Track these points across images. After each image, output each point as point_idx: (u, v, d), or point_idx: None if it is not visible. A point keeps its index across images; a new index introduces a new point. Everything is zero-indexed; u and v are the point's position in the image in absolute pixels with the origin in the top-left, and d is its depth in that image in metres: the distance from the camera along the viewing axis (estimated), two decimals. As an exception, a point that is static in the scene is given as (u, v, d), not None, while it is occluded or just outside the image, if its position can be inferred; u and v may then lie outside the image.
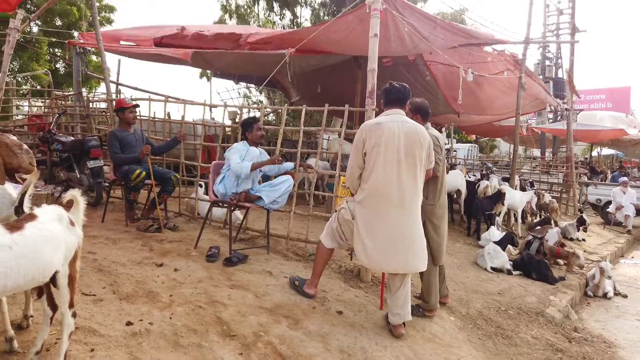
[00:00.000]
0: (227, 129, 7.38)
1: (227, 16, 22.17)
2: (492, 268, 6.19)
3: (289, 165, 5.33)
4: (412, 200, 3.50)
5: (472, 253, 6.98)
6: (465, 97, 7.63)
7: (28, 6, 16.67)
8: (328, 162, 8.50)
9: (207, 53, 7.94)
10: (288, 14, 21.34)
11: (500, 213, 8.57)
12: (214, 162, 5.27)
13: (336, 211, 3.97)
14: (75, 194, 2.55)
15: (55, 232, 2.32)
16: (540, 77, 25.07)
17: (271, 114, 12.39)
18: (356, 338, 3.40)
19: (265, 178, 5.23)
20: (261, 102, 14.96)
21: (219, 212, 6.03)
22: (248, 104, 15.28)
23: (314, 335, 3.36)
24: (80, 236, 2.53)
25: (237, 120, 10.91)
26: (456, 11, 19.49)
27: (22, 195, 2.65)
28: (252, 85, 14.91)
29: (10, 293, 2.35)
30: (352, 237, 3.72)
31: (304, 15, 21.75)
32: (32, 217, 2.34)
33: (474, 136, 24.78)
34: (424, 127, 3.66)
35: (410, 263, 3.49)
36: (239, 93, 15.57)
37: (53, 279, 2.42)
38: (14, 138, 2.72)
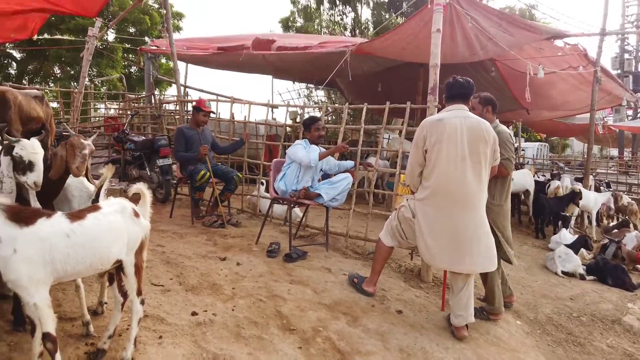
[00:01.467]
0: (288, 129, 7.48)
1: (295, 15, 22.57)
2: (562, 272, 5.84)
3: (349, 163, 5.32)
4: (478, 198, 3.37)
5: (540, 256, 6.63)
6: (535, 94, 7.27)
7: (105, 15, 17.84)
8: (388, 161, 8.41)
9: (272, 55, 8.11)
10: (350, 14, 21.35)
11: (572, 214, 8.07)
12: (275, 159, 5.37)
13: (396, 209, 3.91)
14: (141, 187, 2.67)
15: (116, 223, 2.44)
16: (619, 71, 23.35)
17: (331, 114, 12.44)
18: (416, 338, 3.33)
19: (325, 176, 5.26)
20: (322, 101, 15.05)
21: (279, 209, 6.14)
22: (308, 103, 15.39)
23: (373, 333, 3.33)
24: (146, 227, 2.64)
25: (297, 120, 11.13)
26: (526, 5, 18.57)
27: (99, 189, 2.82)
28: (312, 85, 15.06)
29: (71, 278, 2.50)
30: (413, 235, 3.64)
31: (365, 14, 21.69)
32: (95, 208, 2.49)
33: (543, 135, 23.53)
34: (488, 123, 3.51)
35: (476, 263, 3.36)
36: (299, 93, 15.79)
37: (121, 267, 2.57)
38: (86, 142, 2.87)
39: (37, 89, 6.20)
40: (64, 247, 2.21)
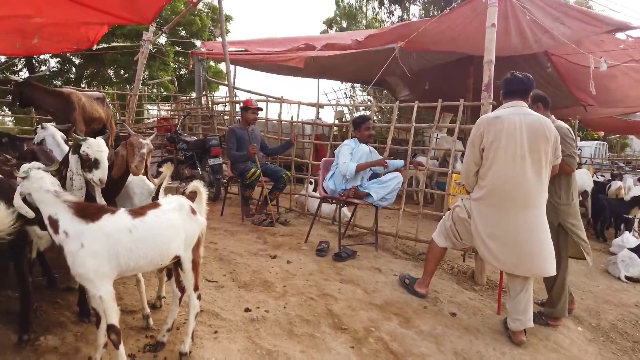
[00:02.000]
0: (334, 129, 7.47)
1: (338, 17, 22.58)
2: (626, 277, 5.51)
3: (398, 162, 5.24)
4: (538, 197, 3.23)
5: (601, 260, 6.29)
6: (594, 89, 6.89)
7: (157, 19, 18.46)
8: (437, 160, 8.24)
9: (320, 57, 8.13)
10: (397, 11, 21.11)
11: (636, 217, 7.61)
12: (324, 158, 5.37)
13: (450, 209, 3.82)
14: (197, 185, 2.74)
15: (174, 220, 2.50)
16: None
17: (376, 113, 12.34)
18: (471, 342, 3.24)
19: (375, 175, 5.21)
20: (370, 100, 14.92)
21: (327, 208, 6.13)
22: (353, 102, 15.35)
23: (426, 335, 3.26)
24: (203, 224, 2.69)
25: (343, 119, 11.12)
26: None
27: (158, 187, 2.91)
28: (358, 85, 14.99)
29: (133, 272, 2.59)
30: (468, 236, 3.54)
31: (413, 11, 21.36)
32: (155, 205, 2.56)
33: (601, 133, 22.34)
34: (548, 119, 3.36)
35: (537, 266, 3.23)
36: (345, 93, 15.74)
37: (178, 263, 2.63)
38: (144, 142, 2.97)
39: (99, 91, 6.50)
40: (127, 242, 2.29)
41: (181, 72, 20.95)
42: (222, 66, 18.99)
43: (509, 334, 3.34)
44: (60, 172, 2.84)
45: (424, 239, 5.12)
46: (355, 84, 14.81)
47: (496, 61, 4.36)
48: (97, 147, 2.71)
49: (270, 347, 2.87)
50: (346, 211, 5.98)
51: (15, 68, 19.66)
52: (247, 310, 3.34)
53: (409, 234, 5.50)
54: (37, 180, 2.23)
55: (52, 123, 3.89)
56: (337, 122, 8.81)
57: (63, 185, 2.75)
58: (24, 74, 19.90)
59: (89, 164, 2.70)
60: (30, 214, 2.15)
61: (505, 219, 3.24)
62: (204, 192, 2.75)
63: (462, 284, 4.33)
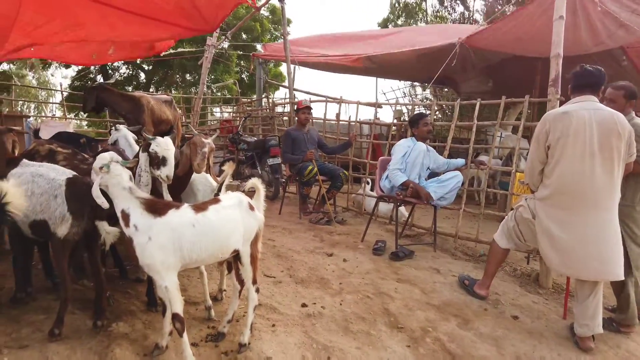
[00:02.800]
0: (392, 128, 7.41)
1: (395, 15, 22.32)
2: None
3: (459, 161, 5.12)
4: (608, 198, 3.04)
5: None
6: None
7: (221, 25, 19.09)
8: (500, 159, 7.94)
9: (377, 55, 8.10)
10: (459, 8, 20.53)
11: None
12: (381, 157, 5.34)
13: (513, 209, 3.68)
14: (256, 182, 2.82)
15: (234, 215, 2.60)
16: None
17: (437, 112, 12.06)
18: (534, 346, 3.10)
19: (434, 174, 5.11)
20: (429, 99, 14.60)
21: (384, 207, 6.09)
22: (413, 101, 15.09)
23: (486, 338, 3.16)
24: (261, 220, 2.78)
25: (402, 119, 10.99)
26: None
27: (220, 184, 3.03)
28: (417, 83, 14.75)
29: (195, 265, 2.71)
30: (532, 237, 3.39)
31: (477, 7, 20.68)
32: (216, 201, 2.67)
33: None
34: (622, 115, 3.15)
35: (606, 270, 3.03)
36: (404, 92, 15.52)
37: (238, 257, 2.73)
38: (206, 141, 3.10)
39: (167, 95, 6.88)
40: (190, 236, 2.41)
41: (243, 76, 21.55)
42: (282, 68, 19.45)
43: (576, 340, 3.16)
44: (131, 169, 3.03)
45: (485, 240, 4.96)
46: (415, 82, 14.57)
47: (564, 61, 4.15)
48: (165, 146, 2.87)
49: (326, 342, 2.91)
50: (404, 211, 5.92)
51: (91, 75, 21.16)
52: (303, 305, 3.40)
53: (469, 235, 5.35)
54: (116, 176, 2.39)
55: (124, 125, 4.16)
56: (395, 121, 8.75)
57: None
58: (99, 79, 21.37)
59: (157, 161, 2.87)
60: (105, 204, 2.31)
61: (572, 221, 3.08)
62: (261, 189, 2.83)
63: (525, 287, 4.15)
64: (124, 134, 4.01)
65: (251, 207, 2.72)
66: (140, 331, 2.84)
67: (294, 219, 6.10)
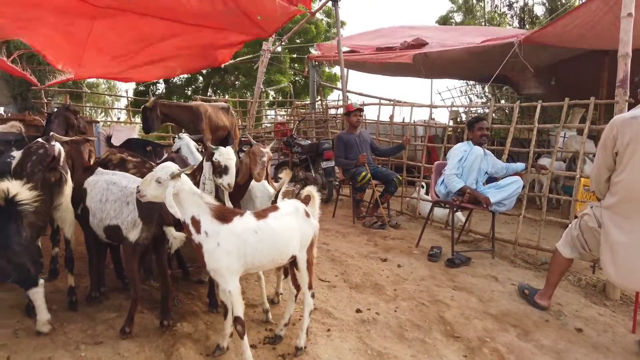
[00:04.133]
0: (448, 130, 7.28)
1: (453, 12, 21.84)
2: None
3: (518, 165, 4.95)
4: None
5: None
6: None
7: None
8: (564, 162, 7.59)
9: (431, 53, 7.98)
10: (520, 2, 19.74)
11: None
12: (436, 162, 5.27)
13: (577, 217, 3.52)
14: (311, 190, 2.89)
15: (292, 222, 2.67)
16: None
17: (495, 112, 11.65)
18: (600, 362, 2.97)
19: (492, 178, 4.98)
20: (488, 98, 14.09)
21: (439, 212, 6.00)
22: (470, 101, 14.63)
23: (547, 350, 3.05)
24: (316, 227, 2.84)
25: (458, 120, 10.73)
26: None
27: (278, 191, 3.13)
28: (473, 82, 14.33)
29: (256, 270, 2.82)
30: (597, 247, 3.24)
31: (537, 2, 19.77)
32: (275, 208, 2.75)
33: None
34: None
35: None
36: (460, 91, 15.12)
37: (295, 262, 2.80)
38: (265, 150, 3.20)
39: (224, 102, 7.15)
40: (253, 242, 2.51)
41: (297, 78, 21.83)
42: (335, 70, 19.51)
43: (647, 358, 3.00)
44: (195, 177, 3.19)
45: (546, 248, 4.78)
46: (471, 82, 14.17)
47: (634, 59, 3.92)
48: (227, 156, 3.00)
49: (381, 348, 2.92)
50: (460, 215, 5.80)
51: (153, 79, 22.23)
52: (358, 311, 3.43)
53: (530, 242, 5.17)
54: (187, 182, 2.51)
55: (187, 134, 4.37)
56: (451, 123, 8.57)
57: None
58: (161, 84, 22.41)
59: (219, 170, 3.01)
60: (179, 214, 2.43)
61: (637, 230, 2.92)
62: (317, 197, 2.89)
63: (590, 298, 3.97)
64: (186, 142, 4.21)
65: (307, 214, 2.78)
66: (202, 331, 2.98)
67: (347, 222, 6.14)
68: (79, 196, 3.08)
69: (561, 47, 7.19)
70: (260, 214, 2.66)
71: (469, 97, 14.61)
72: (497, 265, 4.64)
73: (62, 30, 5.50)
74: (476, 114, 6.50)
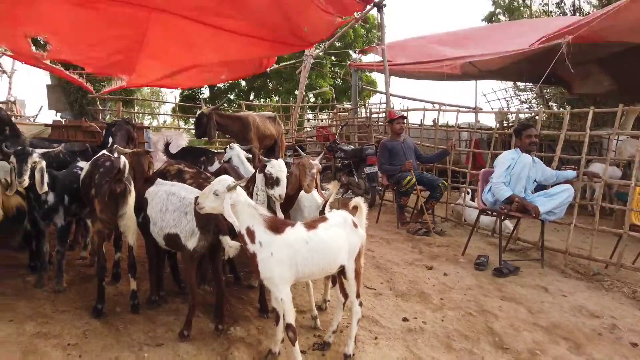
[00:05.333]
0: (495, 134, 7.16)
1: (498, 10, 21.32)
2: None
3: (569, 173, 4.83)
4: None
5: None
6: None
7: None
8: (617, 167, 7.28)
9: (478, 62, 7.87)
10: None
11: None
12: (483, 169, 5.21)
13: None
14: (359, 201, 2.95)
15: (340, 233, 2.76)
16: None
17: (544, 116, 11.28)
18: (658, 380, 2.88)
19: (541, 186, 4.87)
20: (535, 101, 13.61)
21: (486, 219, 5.92)
22: (517, 104, 14.23)
23: (601, 366, 3.00)
24: (363, 237, 2.90)
25: (504, 123, 10.50)
26: None
27: (326, 202, 3.22)
28: (522, 84, 13.93)
29: (306, 279, 2.94)
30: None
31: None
32: (323, 219, 2.84)
33: None
34: None
35: None
36: (506, 91, 14.73)
37: (343, 272, 2.88)
38: (314, 162, 3.31)
39: (271, 112, 7.36)
40: (304, 252, 2.61)
41: (336, 82, 21.93)
42: (376, 75, 19.45)
43: None
44: (248, 188, 3.33)
45: (599, 258, 4.65)
46: (519, 83, 13.78)
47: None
48: (279, 168, 3.13)
49: (429, 358, 2.96)
50: (508, 223, 5.71)
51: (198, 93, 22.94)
52: (405, 319, 3.47)
53: (582, 251, 5.03)
54: (242, 194, 2.63)
55: (237, 144, 4.56)
56: (497, 126, 8.41)
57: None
58: (205, 89, 23.05)
59: (271, 181, 3.14)
60: (237, 225, 2.56)
61: None
62: (364, 208, 2.95)
63: (647, 312, 3.83)
64: (237, 152, 4.38)
65: (355, 225, 2.85)
66: (254, 336, 3.11)
67: (391, 229, 6.16)
68: (140, 205, 3.28)
69: (617, 42, 6.88)
70: (310, 225, 2.75)
71: (519, 99, 14.14)
72: (547, 275, 4.54)
73: (118, 41, 5.90)
74: (524, 122, 6.32)
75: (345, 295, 3.03)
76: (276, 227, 2.61)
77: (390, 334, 3.26)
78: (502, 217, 4.71)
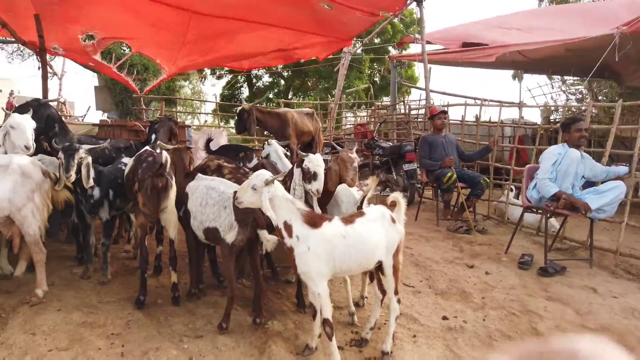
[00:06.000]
0: (540, 130, 6.89)
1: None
2: None
3: (620, 169, 4.58)
4: None
5: None
6: None
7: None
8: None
9: (522, 50, 7.59)
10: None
11: None
12: (528, 165, 5.02)
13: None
14: (397, 196, 2.90)
15: (378, 228, 2.72)
16: None
17: (593, 110, 10.76)
18: None
19: (590, 183, 4.65)
20: (583, 94, 12.97)
21: (530, 217, 5.70)
22: (563, 98, 13.63)
23: (655, 372, 2.82)
24: (402, 233, 2.85)
25: (551, 119, 10.09)
26: None
27: (364, 197, 3.18)
28: (570, 78, 13.34)
29: (344, 274, 2.91)
30: None
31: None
32: (361, 214, 2.80)
33: None
34: None
35: None
36: (552, 87, 14.14)
37: (380, 268, 2.84)
38: (353, 156, 3.29)
39: (309, 108, 7.39)
40: (342, 247, 2.59)
41: (375, 79, 21.74)
42: (414, 69, 19.15)
43: None
44: (286, 183, 3.34)
45: (653, 258, 4.40)
46: (567, 77, 13.20)
47: None
48: (317, 162, 3.12)
49: (469, 358, 2.88)
50: (554, 221, 5.47)
51: (238, 85, 23.30)
52: (444, 318, 3.39)
53: (634, 251, 4.78)
54: (280, 188, 2.64)
55: (275, 140, 4.59)
56: (542, 122, 8.11)
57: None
58: (245, 89, 23.40)
59: (309, 176, 3.13)
60: (274, 217, 2.57)
61: None
62: (402, 203, 2.90)
63: None
64: (275, 148, 4.41)
65: (393, 220, 2.81)
66: (291, 330, 3.12)
67: (430, 226, 6.04)
68: (181, 200, 3.35)
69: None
70: (348, 220, 2.73)
71: (566, 93, 13.51)
72: (596, 275, 4.33)
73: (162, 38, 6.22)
74: (572, 116, 6.04)
75: (383, 292, 3.00)
76: (314, 221, 2.60)
77: (430, 332, 3.20)
78: (548, 215, 4.52)
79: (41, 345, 2.77)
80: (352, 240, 2.62)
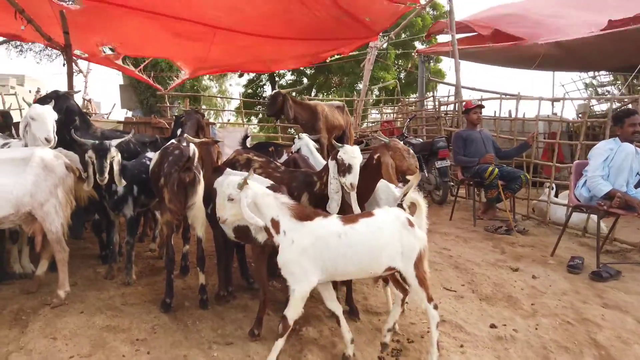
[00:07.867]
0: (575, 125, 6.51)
1: None
2: None
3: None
4: None
5: None
6: None
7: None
8: None
9: (560, 42, 7.20)
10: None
11: None
12: (576, 162, 4.68)
13: None
14: (416, 197, 2.65)
15: (387, 231, 2.46)
16: None
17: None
18: None
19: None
20: (620, 90, 12.39)
21: (576, 217, 5.32)
22: (596, 93, 13.03)
23: None
24: (423, 238, 2.54)
25: (596, 110, 9.59)
26: None
27: (404, 194, 2.92)
28: (604, 73, 12.77)
29: (342, 277, 2.72)
30: None
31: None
32: (369, 214, 2.56)
33: None
34: None
35: None
36: (585, 84, 13.55)
37: (402, 277, 2.60)
38: (401, 145, 3.06)
39: (339, 101, 7.16)
40: (335, 246, 2.39)
41: (401, 75, 21.34)
42: (441, 65, 18.70)
43: None
44: (322, 178, 3.11)
45: None
46: (601, 72, 12.63)
47: None
48: (352, 154, 2.87)
49: (525, 372, 2.60)
50: (601, 222, 5.11)
51: (261, 83, 23.21)
52: (492, 326, 3.12)
53: (694, 254, 4.40)
54: (255, 186, 2.45)
55: (306, 134, 4.38)
56: (579, 118, 7.70)
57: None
58: (267, 87, 23.29)
59: (343, 169, 2.88)
60: (260, 223, 2.40)
61: None
62: (423, 205, 2.63)
63: None
64: (306, 142, 4.20)
65: (410, 224, 2.52)
66: (327, 338, 2.89)
67: (467, 226, 5.71)
68: (209, 196, 3.16)
69: None
70: (350, 219, 2.52)
71: (606, 90, 12.81)
72: (655, 281, 3.99)
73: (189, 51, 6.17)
74: (626, 108, 5.61)
75: (404, 291, 2.74)
76: (304, 215, 2.44)
77: (478, 341, 2.94)
78: (601, 215, 4.18)
79: (62, 351, 2.60)
80: (350, 240, 2.41)
